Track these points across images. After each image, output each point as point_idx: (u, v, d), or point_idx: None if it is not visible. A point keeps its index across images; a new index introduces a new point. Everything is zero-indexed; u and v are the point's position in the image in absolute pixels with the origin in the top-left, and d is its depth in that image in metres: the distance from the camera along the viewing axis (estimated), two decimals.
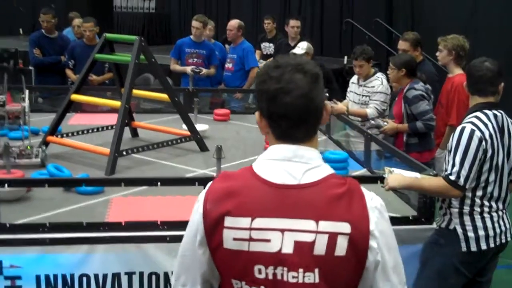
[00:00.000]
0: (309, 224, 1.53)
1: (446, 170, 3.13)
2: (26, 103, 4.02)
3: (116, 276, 2.86)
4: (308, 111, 1.59)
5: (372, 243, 1.55)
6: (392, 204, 3.35)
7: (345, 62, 10.46)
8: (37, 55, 7.25)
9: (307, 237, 1.52)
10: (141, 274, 2.88)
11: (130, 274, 2.88)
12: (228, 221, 1.56)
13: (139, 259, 2.87)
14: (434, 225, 3.20)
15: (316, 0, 12.90)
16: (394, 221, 3.05)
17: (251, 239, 1.54)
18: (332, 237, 1.52)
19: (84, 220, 2.89)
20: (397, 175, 3.09)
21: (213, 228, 1.58)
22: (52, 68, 7.22)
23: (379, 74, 5.52)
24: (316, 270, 1.53)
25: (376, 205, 1.59)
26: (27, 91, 4.14)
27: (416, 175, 3.17)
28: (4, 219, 2.84)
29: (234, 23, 7.49)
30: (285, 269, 1.53)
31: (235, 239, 1.55)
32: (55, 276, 2.81)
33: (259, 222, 1.54)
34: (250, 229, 1.54)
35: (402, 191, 3.37)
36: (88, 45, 6.80)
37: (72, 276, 2.82)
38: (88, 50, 6.26)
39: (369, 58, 5.45)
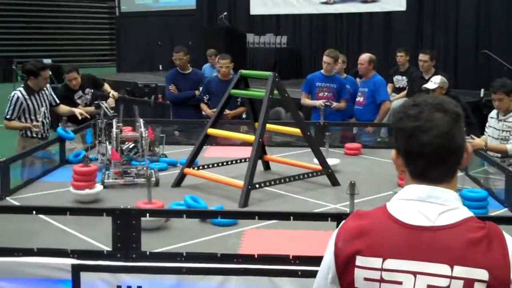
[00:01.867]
0: (443, 269, 1.47)
1: None
2: (143, 130, 4.54)
3: None
4: (446, 151, 1.54)
5: None
6: None
7: (481, 95, 10.03)
8: (172, 91, 7.63)
9: (441, 282, 1.47)
10: None
11: None
12: (359, 260, 1.55)
13: None
14: None
15: (450, 31, 12.54)
16: None
17: (382, 280, 1.52)
18: (468, 284, 1.45)
19: (218, 251, 2.95)
20: None
21: (344, 266, 1.58)
22: (186, 102, 7.56)
23: None
24: None
25: None
26: (141, 120, 4.63)
27: None
28: (145, 247, 2.97)
29: (365, 57, 7.44)
30: None
31: (366, 279, 1.54)
32: None
33: (391, 263, 1.51)
34: (381, 269, 1.52)
35: None
36: (223, 81, 7.07)
37: None
38: (223, 85, 6.51)
39: (510, 91, 5.20)
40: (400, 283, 1.50)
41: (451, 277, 1.46)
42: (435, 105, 1.56)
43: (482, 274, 1.45)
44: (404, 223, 1.54)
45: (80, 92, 6.74)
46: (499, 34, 11.68)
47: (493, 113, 5.45)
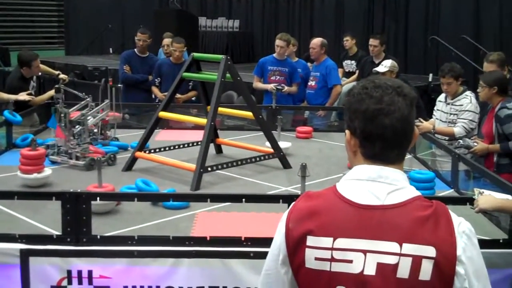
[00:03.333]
0: (392, 246, 1.50)
1: None
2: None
3: None
4: (404, 134, 1.58)
5: (459, 269, 1.49)
6: (482, 227, 3.23)
7: (430, 79, 10.24)
8: (127, 72, 7.50)
9: (390, 260, 1.49)
10: None
11: None
12: (310, 240, 1.55)
13: (223, 274, 2.89)
14: None
15: (400, 16, 12.73)
16: (484, 244, 2.94)
17: (333, 259, 1.53)
18: (416, 261, 1.48)
19: (170, 234, 2.95)
20: (488, 197, 2.98)
21: (295, 247, 1.58)
22: (139, 85, 7.45)
23: (468, 92, 5.37)
24: None
25: (464, 229, 1.53)
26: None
27: (508, 197, 3.05)
28: (95, 231, 2.94)
29: (317, 41, 7.49)
30: None
31: (317, 258, 1.54)
32: None
33: (341, 242, 1.53)
34: (332, 249, 1.53)
35: (492, 213, 3.25)
36: (175, 64, 7.00)
37: None
38: (175, 68, 6.46)
39: (458, 75, 5.33)
40: (350, 261, 1.52)
41: (400, 255, 1.49)
42: (396, 89, 1.58)
43: (430, 251, 1.48)
44: (354, 202, 1.56)
45: (32, 82, 6.46)
46: (448, 20, 11.92)
47: (441, 97, 5.57)
